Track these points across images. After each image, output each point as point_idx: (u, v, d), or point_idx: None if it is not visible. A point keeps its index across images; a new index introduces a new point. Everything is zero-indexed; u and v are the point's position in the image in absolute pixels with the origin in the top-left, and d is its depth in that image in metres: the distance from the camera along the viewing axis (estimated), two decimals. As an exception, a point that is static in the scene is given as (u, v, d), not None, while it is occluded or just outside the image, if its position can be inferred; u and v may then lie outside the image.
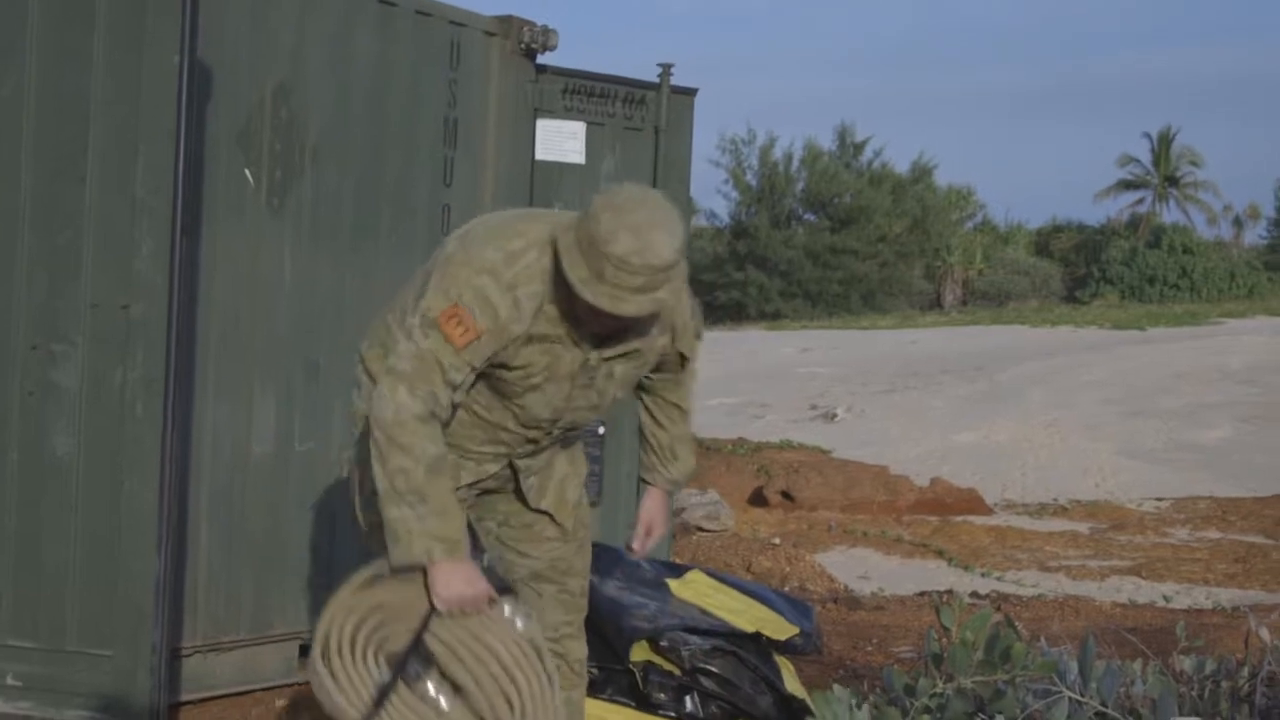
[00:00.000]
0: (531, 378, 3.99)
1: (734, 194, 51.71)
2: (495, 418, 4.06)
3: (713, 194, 72.49)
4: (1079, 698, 4.06)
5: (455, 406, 3.98)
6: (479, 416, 4.06)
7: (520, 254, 3.87)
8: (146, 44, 5.06)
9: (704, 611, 4.98)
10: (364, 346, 4.29)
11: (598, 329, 3.95)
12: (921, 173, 53.80)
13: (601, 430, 7.04)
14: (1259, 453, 17.94)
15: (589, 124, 7.06)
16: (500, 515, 4.30)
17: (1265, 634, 4.41)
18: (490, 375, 3.95)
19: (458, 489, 4.03)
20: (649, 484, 4.47)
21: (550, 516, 4.33)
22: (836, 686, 4.13)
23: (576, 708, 4.42)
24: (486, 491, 4.28)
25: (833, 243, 49.29)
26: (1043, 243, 60.67)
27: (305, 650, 6.02)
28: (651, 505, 4.46)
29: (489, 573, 4.10)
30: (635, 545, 4.45)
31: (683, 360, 4.23)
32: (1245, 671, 4.41)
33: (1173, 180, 62.28)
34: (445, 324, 3.86)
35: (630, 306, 3.77)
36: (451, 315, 3.85)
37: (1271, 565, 11.41)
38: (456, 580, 3.84)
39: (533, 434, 4.15)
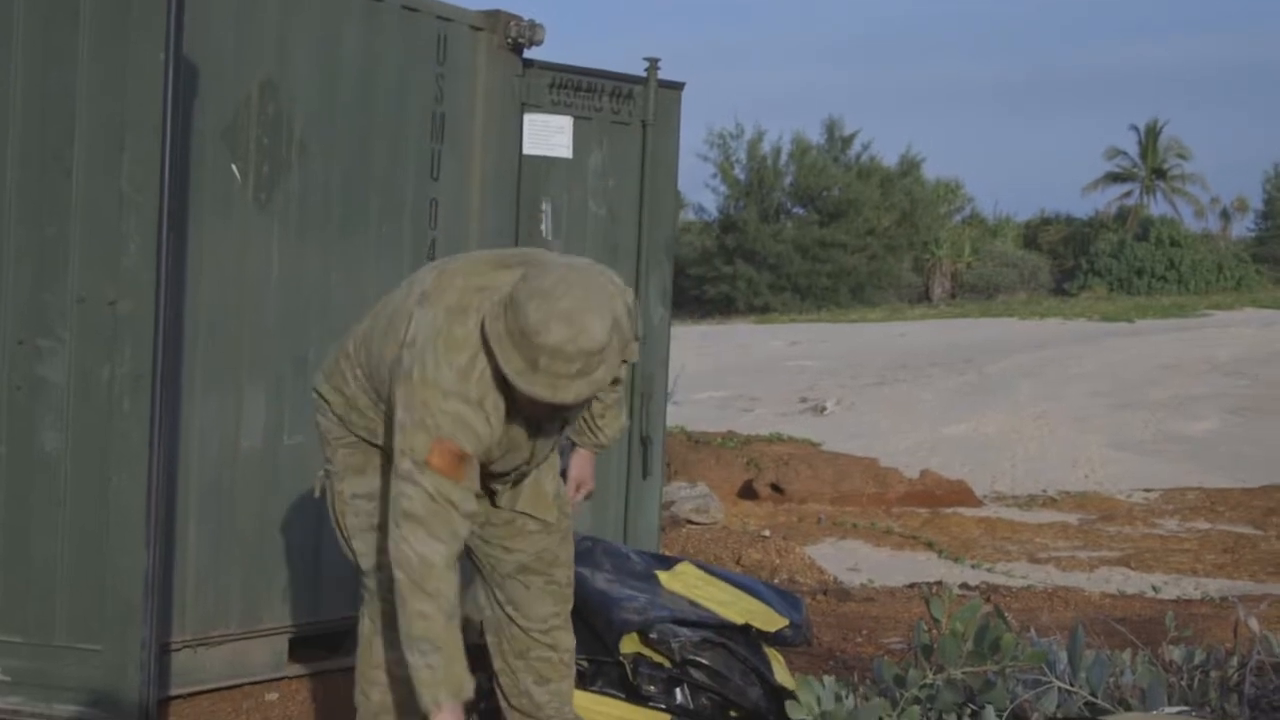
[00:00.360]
0: (492, 453, 4.02)
1: (722, 188, 51.78)
2: None
3: (701, 188, 72.61)
4: (1068, 687, 4.07)
5: None
6: None
7: (470, 366, 3.86)
8: (132, 39, 5.04)
9: (694, 603, 4.98)
10: (319, 381, 4.35)
11: (537, 413, 3.95)
12: (910, 166, 53.84)
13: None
14: (1247, 444, 17.97)
15: (576, 118, 7.05)
16: (480, 518, 4.32)
17: (1254, 624, 4.41)
18: None
19: None
20: (578, 446, 4.60)
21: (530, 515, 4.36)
22: (825, 677, 4.13)
23: (565, 698, 4.43)
24: None
25: (821, 236, 49.31)
26: (1031, 235, 60.72)
27: (294, 644, 6.03)
28: (581, 464, 4.69)
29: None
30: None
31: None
32: (1234, 661, 4.42)
33: (1160, 173, 62.35)
34: (437, 462, 3.87)
35: (569, 394, 3.76)
36: (438, 450, 3.86)
37: (1260, 555, 11.43)
38: None
39: (506, 477, 4.21)
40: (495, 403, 3.87)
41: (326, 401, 4.31)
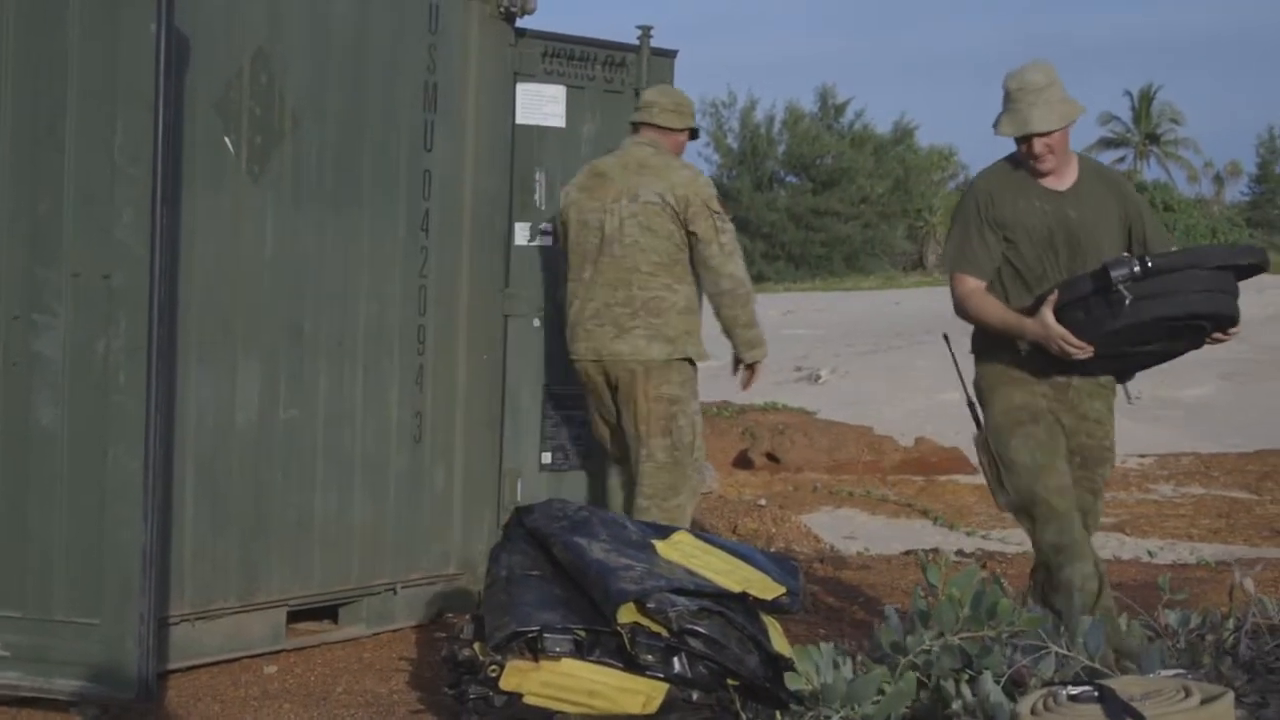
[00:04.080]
0: None
1: (715, 157, 51.76)
2: None
3: (694, 157, 72.25)
4: (1065, 652, 4.08)
5: None
6: None
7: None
8: (123, 11, 5.02)
9: (691, 572, 4.98)
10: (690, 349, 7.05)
11: None
12: (903, 133, 53.83)
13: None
14: (1241, 409, 17.97)
15: (569, 87, 7.04)
16: None
17: (1250, 586, 4.43)
18: None
19: None
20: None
21: None
22: (822, 644, 4.14)
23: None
24: None
25: (815, 204, 49.30)
26: (1024, 202, 60.62)
27: (292, 617, 6.04)
28: None
29: None
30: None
31: None
32: (1229, 624, 4.44)
33: (1154, 138, 62.35)
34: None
35: None
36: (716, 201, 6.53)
37: (1254, 520, 11.44)
38: None
39: None
40: None
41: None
